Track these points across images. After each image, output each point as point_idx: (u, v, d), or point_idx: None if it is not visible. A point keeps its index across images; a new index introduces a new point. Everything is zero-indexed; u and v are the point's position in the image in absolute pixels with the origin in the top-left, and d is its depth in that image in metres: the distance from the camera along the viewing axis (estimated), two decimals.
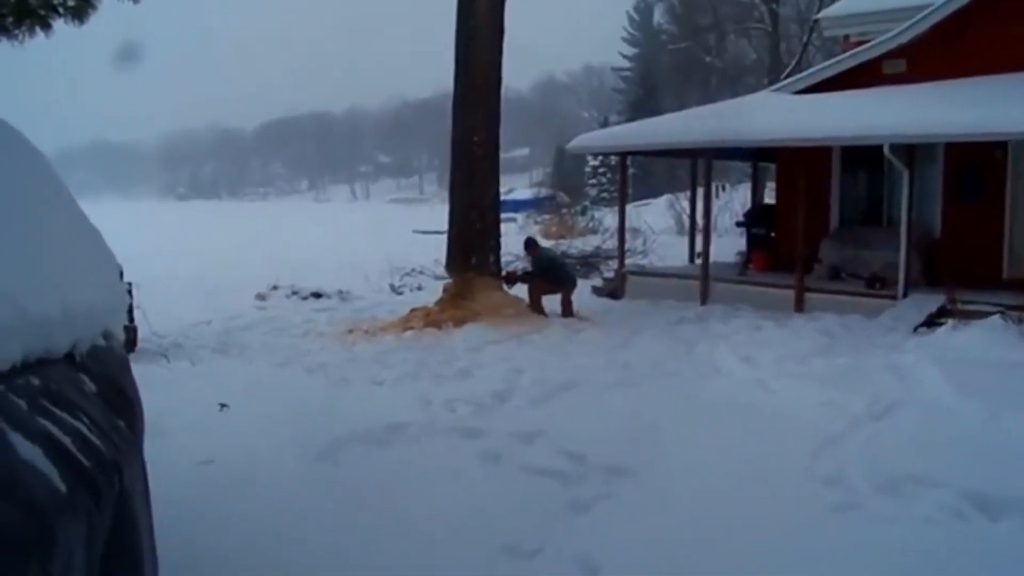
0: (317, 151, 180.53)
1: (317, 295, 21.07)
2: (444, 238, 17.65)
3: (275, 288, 21.52)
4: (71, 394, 2.77)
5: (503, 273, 17.71)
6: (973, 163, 17.38)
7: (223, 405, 9.52)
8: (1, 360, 2.39)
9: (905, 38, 18.00)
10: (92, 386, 2.99)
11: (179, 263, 27.30)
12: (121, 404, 3.24)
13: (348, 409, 9.53)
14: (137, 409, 3.53)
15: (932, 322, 14.69)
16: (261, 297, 20.89)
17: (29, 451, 2.27)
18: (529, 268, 18.31)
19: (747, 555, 5.87)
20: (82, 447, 2.57)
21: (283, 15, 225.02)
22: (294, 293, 21.23)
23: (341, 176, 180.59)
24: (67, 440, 2.51)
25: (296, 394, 10.61)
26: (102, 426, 2.82)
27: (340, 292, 21.37)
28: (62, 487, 2.32)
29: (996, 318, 13.96)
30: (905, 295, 15.89)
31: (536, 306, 16.88)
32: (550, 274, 17.41)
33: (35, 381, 2.56)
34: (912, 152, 16.39)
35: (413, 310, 17.00)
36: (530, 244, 18.49)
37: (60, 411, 2.58)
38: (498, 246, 17.45)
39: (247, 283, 21.68)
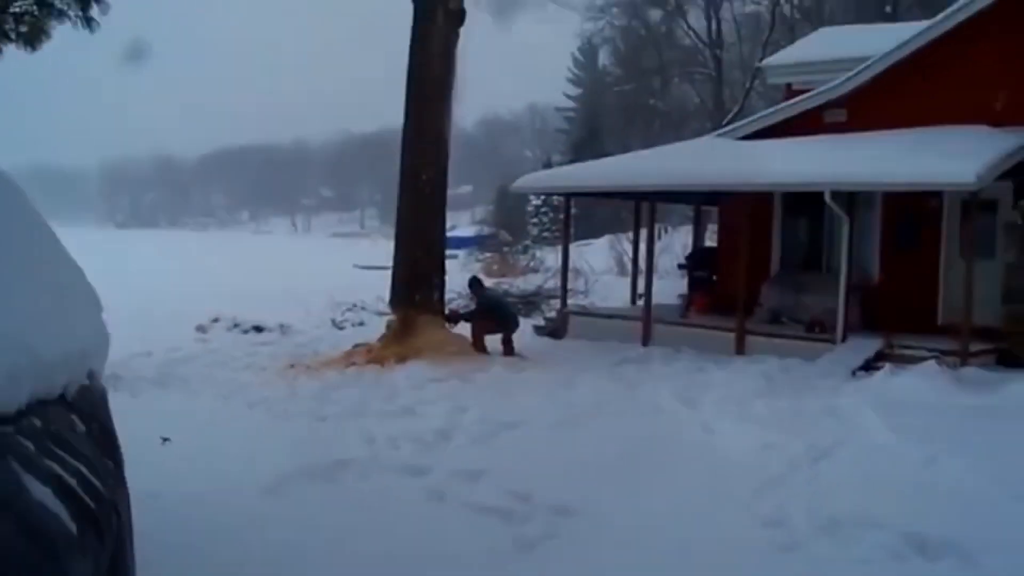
0: (260, 182, 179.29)
1: (258, 328, 20.93)
2: (386, 274, 17.67)
3: (216, 320, 21.34)
4: (68, 435, 2.79)
5: (446, 311, 17.76)
6: (910, 212, 17.71)
7: (165, 439, 9.46)
8: (12, 402, 2.41)
9: (845, 89, 18.36)
10: (82, 426, 3.01)
11: (117, 292, 26.89)
12: (107, 442, 3.26)
13: (292, 444, 9.52)
14: (118, 445, 3.55)
15: (870, 366, 14.93)
16: (202, 329, 20.70)
17: (40, 492, 2.30)
18: (471, 307, 18.38)
19: None
20: (86, 487, 2.59)
21: (231, 44, 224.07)
22: (235, 326, 21.06)
23: (283, 208, 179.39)
24: (73, 481, 2.53)
25: (239, 429, 10.57)
26: (97, 465, 2.85)
27: (281, 326, 21.25)
28: (72, 528, 2.35)
29: (931, 363, 14.25)
30: (844, 339, 16.12)
31: (479, 344, 16.93)
32: (494, 314, 17.50)
33: (37, 422, 2.58)
34: (852, 200, 16.69)
35: (355, 346, 16.99)
36: (475, 284, 18.58)
37: (62, 452, 2.60)
38: (442, 284, 17.50)
39: (187, 314, 21.47)
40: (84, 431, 3.03)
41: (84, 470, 2.70)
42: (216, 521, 6.98)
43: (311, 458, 8.76)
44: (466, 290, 25.17)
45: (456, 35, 17.42)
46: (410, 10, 17.51)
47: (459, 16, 17.48)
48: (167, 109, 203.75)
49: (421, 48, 17.22)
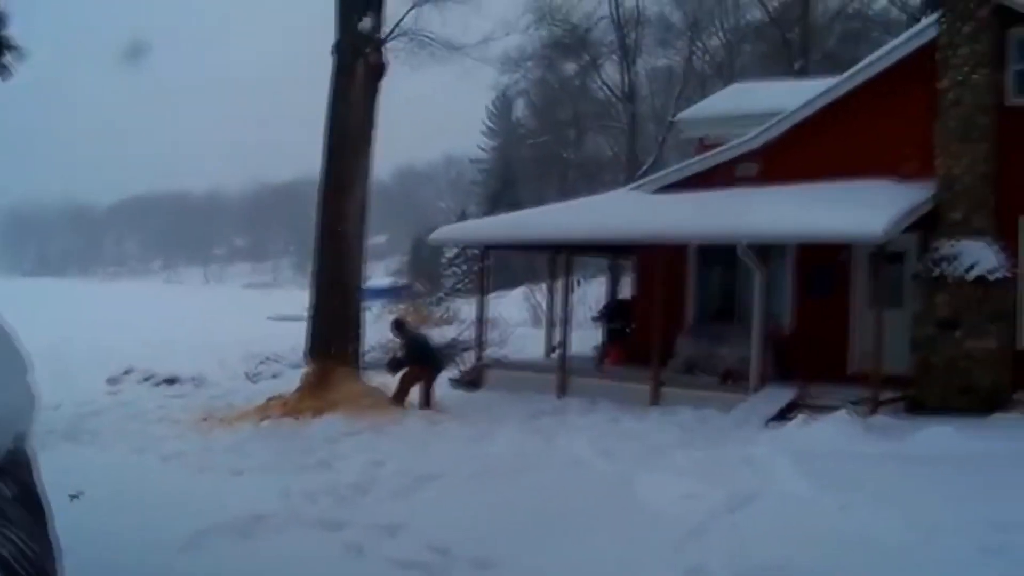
0: (172, 231, 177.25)
1: (171, 380, 20.68)
2: (299, 325, 17.61)
3: (127, 372, 21.06)
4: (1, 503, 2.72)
5: (388, 359, 17.72)
6: (822, 262, 18.03)
7: (75, 495, 9.24)
8: None
9: (757, 143, 18.71)
10: (10, 491, 2.94)
11: (23, 343, 26.48)
12: (36, 507, 3.18)
13: (208, 499, 9.38)
14: (48, 510, 3.47)
15: (784, 415, 15.13)
16: (113, 381, 20.41)
17: None
18: (399, 352, 18.24)
19: None
20: (21, 560, 2.53)
21: (143, 90, 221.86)
22: (147, 378, 20.80)
23: (196, 258, 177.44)
24: (6, 551, 2.46)
25: (153, 483, 10.40)
26: (31, 533, 2.78)
27: (195, 378, 21.01)
28: None
29: (843, 411, 14.46)
30: (758, 389, 16.31)
31: (403, 394, 16.81)
32: (426, 356, 17.44)
33: None
34: (765, 251, 16.96)
35: (270, 399, 16.83)
36: (400, 325, 18.46)
37: None
38: (359, 336, 17.47)
39: (98, 366, 21.15)
40: (12, 497, 2.96)
41: (18, 541, 2.64)
42: None
43: (228, 513, 8.62)
44: (381, 340, 25.02)
45: (376, 88, 17.52)
46: (328, 61, 17.57)
47: (379, 70, 17.61)
48: (77, 155, 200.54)
49: (341, 100, 17.29)
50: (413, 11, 19.51)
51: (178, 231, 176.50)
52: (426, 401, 16.94)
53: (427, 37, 20.10)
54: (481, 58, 22.70)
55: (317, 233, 17.57)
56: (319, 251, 17.56)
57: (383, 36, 17.97)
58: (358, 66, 17.32)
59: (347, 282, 17.34)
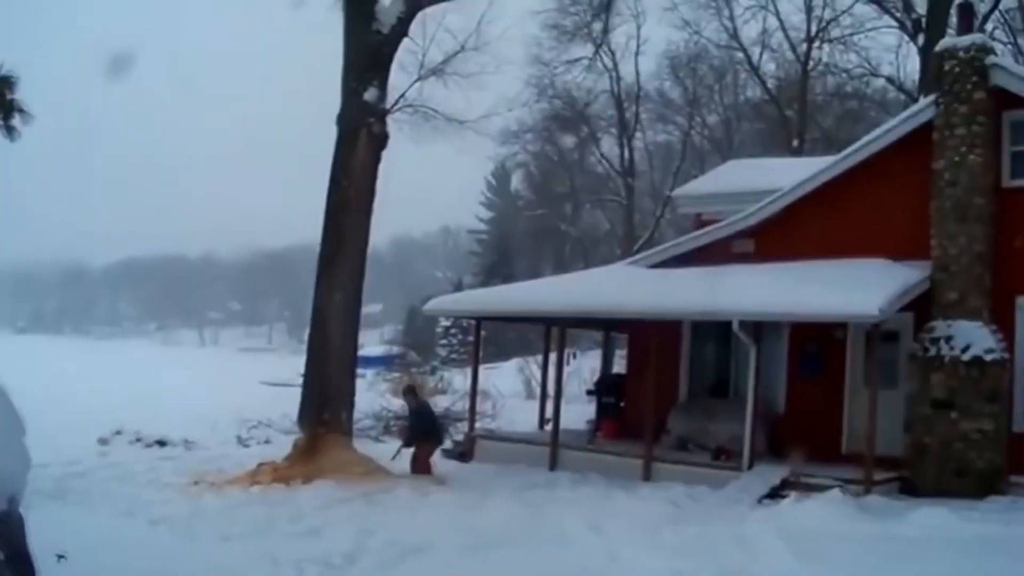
0: (167, 293, 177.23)
1: (162, 443, 20.59)
2: (292, 391, 17.54)
3: (118, 433, 20.96)
4: None
5: (404, 435, 17.83)
6: (816, 341, 18.04)
7: (61, 556, 9.14)
8: None
9: (753, 220, 18.79)
10: (2, 553, 2.92)
11: (13, 400, 26.36)
12: (26, 569, 3.17)
13: (195, 565, 9.29)
14: (37, 573, 3.46)
15: (776, 494, 15.04)
16: (103, 442, 20.31)
17: None
18: (404, 419, 18.19)
19: None
20: None
21: (139, 152, 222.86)
22: (137, 440, 20.70)
23: (191, 320, 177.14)
24: None
25: (140, 547, 10.31)
26: None
27: (185, 441, 20.93)
28: None
29: (836, 491, 14.42)
30: (750, 467, 16.23)
31: (425, 466, 16.90)
32: (433, 425, 17.54)
33: None
34: (759, 328, 16.97)
35: (261, 464, 16.74)
36: (412, 391, 18.46)
37: None
38: (352, 404, 17.42)
39: (88, 426, 21.05)
40: (4, 558, 2.95)
41: None
42: None
43: None
44: (374, 408, 24.92)
45: (378, 158, 17.69)
46: (330, 130, 17.73)
47: (382, 140, 17.78)
48: (74, 215, 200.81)
49: (342, 169, 17.42)
50: (417, 83, 19.71)
51: (173, 293, 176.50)
52: (426, 468, 16.89)
53: (431, 110, 20.29)
54: (482, 131, 22.87)
55: (314, 299, 17.59)
56: (315, 317, 17.57)
57: (387, 107, 18.13)
58: (361, 136, 17.47)
59: (341, 349, 17.33)
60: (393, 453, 17.52)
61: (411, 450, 17.38)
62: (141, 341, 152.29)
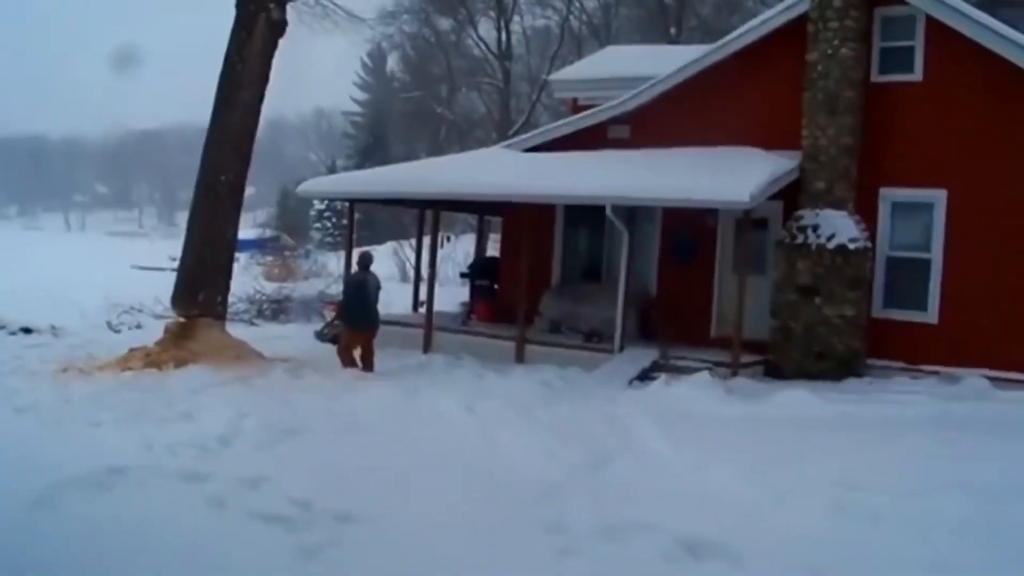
0: (29, 176, 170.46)
1: (27, 330, 20.10)
2: (164, 275, 17.22)
3: None
4: None
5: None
6: (688, 227, 18.28)
7: None
8: None
9: (630, 106, 18.81)
10: None
11: None
12: None
13: (64, 452, 9.14)
14: None
15: (646, 376, 15.36)
16: None
17: None
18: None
19: None
20: None
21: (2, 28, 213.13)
22: (1, 327, 20.15)
23: (55, 204, 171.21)
24: None
25: (6, 436, 10.07)
26: None
27: (53, 327, 20.47)
28: None
29: (705, 374, 14.81)
30: (621, 349, 16.51)
31: (348, 358, 16.02)
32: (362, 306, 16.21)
33: None
34: (632, 214, 17.13)
35: (132, 349, 16.46)
36: (366, 262, 16.64)
37: None
38: (227, 287, 17.21)
39: None
40: None
41: None
42: None
43: (85, 466, 8.35)
44: (248, 293, 24.67)
45: (275, 45, 17.44)
46: (208, 17, 17.28)
47: (281, 26, 17.53)
48: None
49: (238, 53, 17.08)
50: None
51: (35, 176, 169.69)
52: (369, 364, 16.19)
53: (331, 2, 20.13)
54: (356, 17, 22.56)
55: (197, 182, 17.24)
56: (197, 199, 17.23)
57: None
58: (259, 21, 17.11)
59: (221, 232, 17.05)
60: (322, 328, 17.04)
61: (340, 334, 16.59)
62: (2, 226, 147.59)
